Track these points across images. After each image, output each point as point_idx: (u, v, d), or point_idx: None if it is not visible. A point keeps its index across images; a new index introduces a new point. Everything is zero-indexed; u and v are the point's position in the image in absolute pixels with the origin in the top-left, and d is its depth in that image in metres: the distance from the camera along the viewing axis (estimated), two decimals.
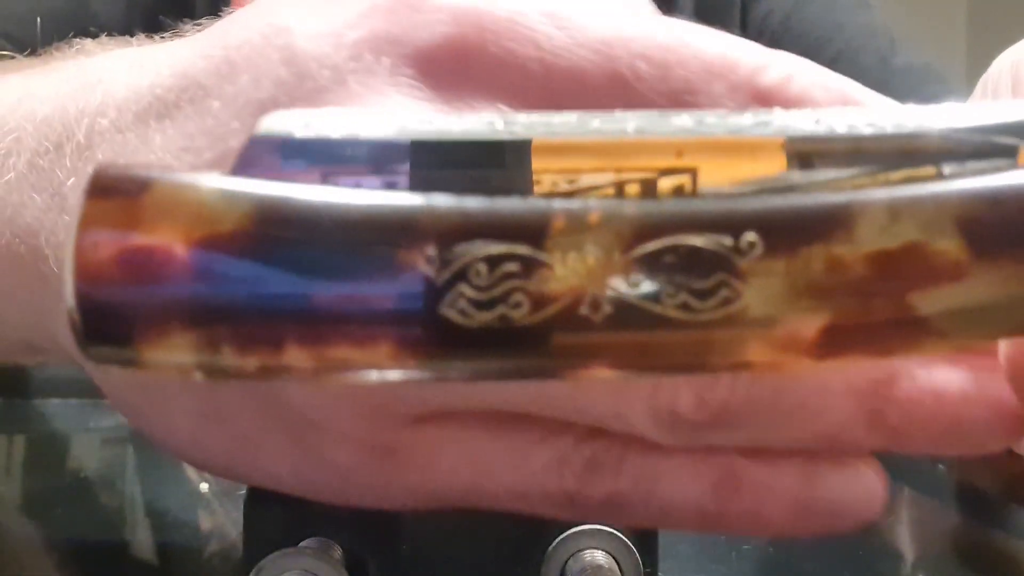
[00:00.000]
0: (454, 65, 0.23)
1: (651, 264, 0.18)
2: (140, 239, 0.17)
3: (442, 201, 0.18)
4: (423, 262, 0.18)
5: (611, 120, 0.20)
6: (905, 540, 0.37)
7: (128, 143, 0.25)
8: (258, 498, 0.28)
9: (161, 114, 0.25)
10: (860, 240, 0.19)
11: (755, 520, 0.24)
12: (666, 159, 0.20)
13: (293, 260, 0.18)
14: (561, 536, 0.27)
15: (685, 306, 0.18)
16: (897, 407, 0.22)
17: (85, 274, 0.17)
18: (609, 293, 0.18)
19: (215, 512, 0.36)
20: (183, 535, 0.36)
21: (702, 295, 0.18)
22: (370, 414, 0.24)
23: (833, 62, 0.74)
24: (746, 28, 0.78)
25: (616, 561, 0.27)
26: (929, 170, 0.20)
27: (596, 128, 0.20)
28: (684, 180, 0.20)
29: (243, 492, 0.28)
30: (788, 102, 0.23)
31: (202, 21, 0.28)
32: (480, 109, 0.23)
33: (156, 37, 0.29)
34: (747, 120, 0.20)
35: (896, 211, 0.19)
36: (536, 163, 0.20)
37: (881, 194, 0.19)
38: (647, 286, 0.18)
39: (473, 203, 0.18)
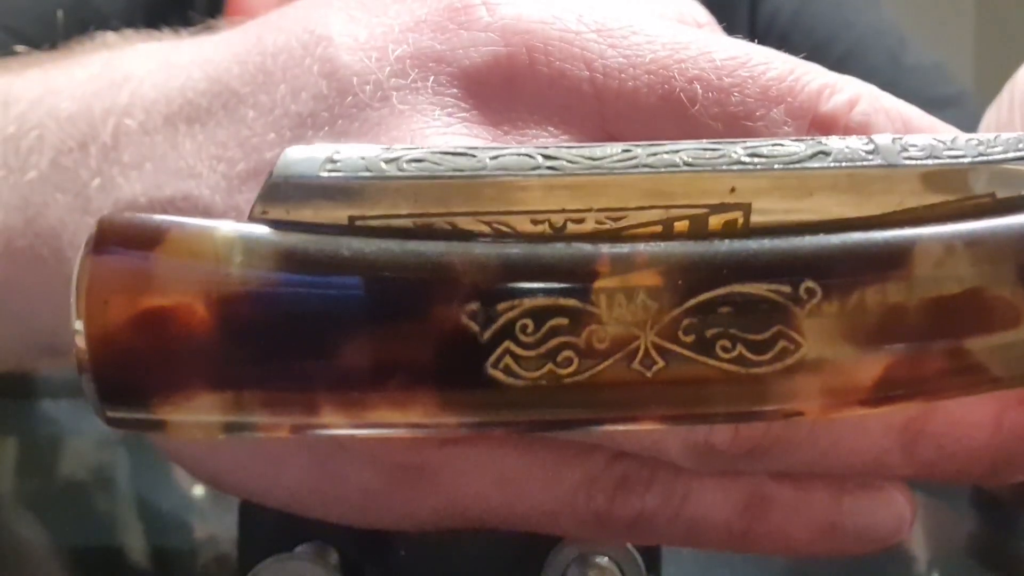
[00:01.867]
0: (502, 85, 0.22)
1: (705, 315, 0.17)
2: (156, 298, 0.16)
3: (482, 250, 0.17)
4: (465, 317, 0.17)
5: (659, 153, 0.19)
6: (915, 544, 0.36)
7: (156, 146, 0.24)
8: (253, 502, 0.27)
9: (191, 118, 0.24)
10: (918, 286, 0.18)
11: (783, 541, 0.24)
12: (718, 195, 0.19)
13: (322, 317, 0.17)
14: (562, 541, 0.26)
15: (741, 359, 0.18)
16: (930, 440, 0.22)
17: (97, 337, 0.16)
18: (661, 346, 0.17)
19: (210, 517, 0.36)
20: (178, 540, 0.36)
21: (759, 347, 0.18)
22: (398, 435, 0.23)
23: (842, 61, 0.73)
24: (754, 26, 0.78)
25: (618, 565, 0.26)
26: (984, 198, 0.19)
27: (644, 163, 0.19)
28: (736, 216, 0.19)
29: (236, 497, 0.28)
30: (848, 128, 0.22)
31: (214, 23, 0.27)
32: (529, 131, 0.22)
33: (176, 32, 0.28)
34: (802, 150, 0.19)
35: (954, 252, 0.18)
36: (579, 201, 0.19)
37: (940, 233, 0.18)
38: (702, 339, 0.17)
39: (515, 251, 0.17)
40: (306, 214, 0.17)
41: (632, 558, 0.26)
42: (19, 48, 0.31)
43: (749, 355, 0.18)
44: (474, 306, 0.17)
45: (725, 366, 0.18)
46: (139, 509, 0.38)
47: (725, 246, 0.18)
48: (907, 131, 0.22)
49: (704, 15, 0.25)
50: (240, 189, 0.23)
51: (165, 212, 0.23)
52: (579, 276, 0.17)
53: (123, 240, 0.17)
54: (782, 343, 0.18)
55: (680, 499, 0.23)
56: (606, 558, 0.27)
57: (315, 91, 0.23)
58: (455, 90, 0.22)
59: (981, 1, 2.51)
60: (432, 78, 0.22)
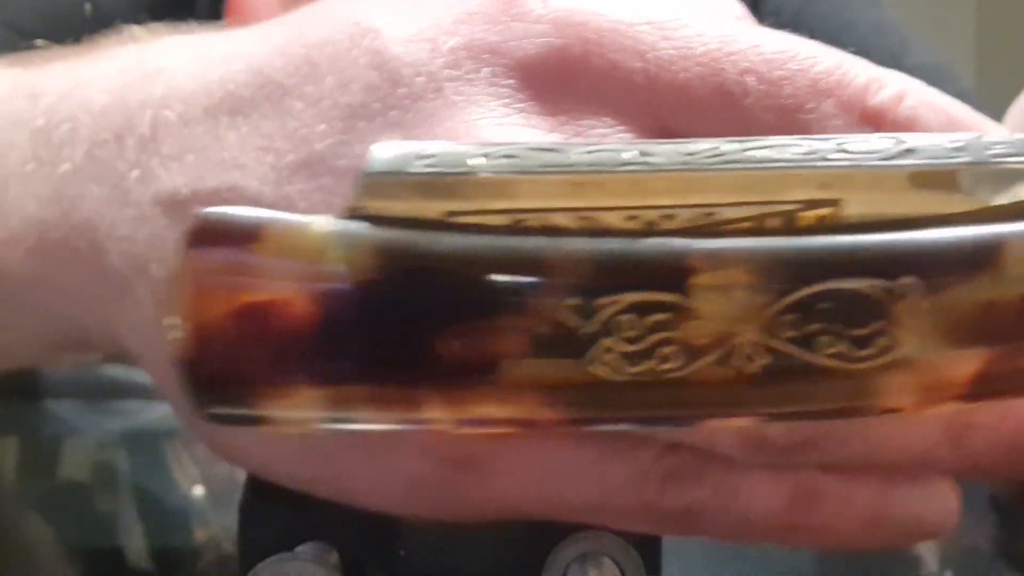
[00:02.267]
0: (557, 76, 0.22)
1: (805, 311, 0.17)
2: (257, 293, 0.16)
3: (579, 245, 0.17)
4: (565, 312, 0.17)
5: (750, 149, 0.19)
6: (928, 544, 0.36)
7: (197, 138, 0.24)
8: (254, 502, 0.27)
9: (234, 110, 0.24)
10: (1010, 282, 0.18)
11: (832, 533, 0.24)
12: (809, 191, 0.19)
13: (422, 313, 0.17)
14: (563, 540, 0.26)
15: (841, 355, 0.18)
16: (978, 432, 0.22)
17: (198, 333, 0.16)
18: (761, 343, 0.17)
19: (210, 517, 0.36)
20: (178, 540, 0.36)
21: (859, 343, 0.18)
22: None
23: None
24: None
25: (618, 565, 0.26)
26: None
27: (735, 159, 0.19)
28: (826, 212, 0.19)
29: (239, 496, 0.28)
30: (897, 121, 0.22)
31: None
32: (584, 121, 0.22)
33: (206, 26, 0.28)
34: (890, 147, 0.19)
35: None
36: (671, 197, 0.19)
37: None
38: (802, 335, 0.18)
39: (612, 246, 0.17)
40: (401, 209, 0.17)
41: (633, 557, 0.26)
42: (39, 43, 0.30)
43: (849, 351, 0.18)
44: (574, 301, 0.17)
45: (826, 362, 0.18)
46: (140, 509, 0.38)
47: (823, 241, 0.18)
48: (951, 125, 0.22)
49: (740, 8, 0.26)
50: (290, 180, 0.22)
51: (211, 203, 0.22)
52: (677, 272, 0.17)
53: (221, 235, 0.16)
54: (882, 339, 0.18)
55: (731, 492, 0.23)
56: (607, 558, 0.27)
57: (365, 82, 0.22)
58: (510, 81, 0.22)
59: (982, 1, 2.51)
60: (486, 69, 0.22)
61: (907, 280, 0.18)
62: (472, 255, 0.17)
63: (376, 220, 0.17)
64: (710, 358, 0.18)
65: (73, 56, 0.29)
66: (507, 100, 0.22)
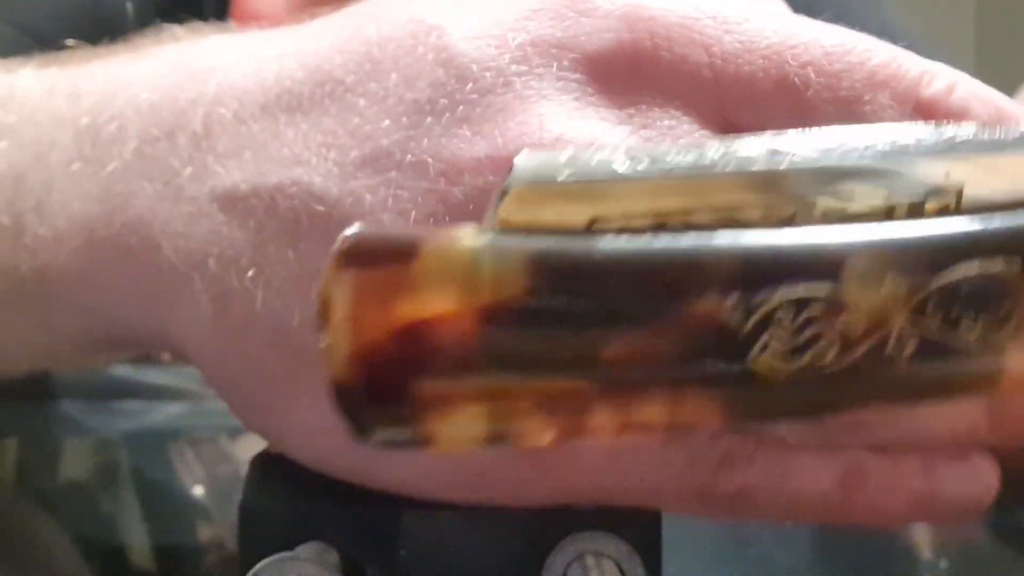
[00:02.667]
0: (627, 71, 0.23)
1: (948, 295, 0.18)
2: (415, 310, 0.16)
3: (728, 242, 0.17)
4: (725, 312, 0.17)
5: (876, 144, 0.19)
6: (915, 542, 0.36)
7: (255, 135, 0.24)
8: (254, 502, 0.27)
9: (292, 107, 0.24)
10: None
11: (879, 512, 0.24)
12: (935, 179, 0.19)
13: (580, 321, 0.17)
14: (563, 540, 0.27)
15: (984, 336, 0.18)
16: (1018, 406, 0.23)
17: (357, 357, 0.16)
18: (911, 330, 0.18)
19: (211, 517, 0.36)
20: (179, 539, 0.36)
21: (1000, 322, 0.18)
22: None
23: None
24: None
25: (618, 565, 0.27)
26: None
27: (873, 151, 0.19)
28: (949, 201, 0.19)
29: (239, 497, 0.28)
30: (948, 112, 0.23)
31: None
32: (653, 114, 0.22)
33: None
34: (1005, 136, 0.20)
35: None
36: (807, 189, 0.19)
37: None
38: (948, 318, 0.18)
39: (760, 242, 0.17)
40: (548, 217, 0.17)
41: (632, 557, 0.26)
42: (70, 42, 0.30)
43: (991, 330, 0.18)
44: (732, 300, 0.17)
45: (971, 343, 0.18)
46: (141, 509, 0.38)
47: (959, 224, 0.18)
48: (999, 117, 0.23)
49: (781, 4, 0.26)
50: (356, 175, 0.22)
51: (273, 199, 0.23)
52: (831, 264, 0.17)
53: (376, 254, 0.16)
54: (1016, 318, 0.18)
55: (781, 473, 0.24)
56: (607, 558, 0.27)
57: (432, 79, 0.23)
58: (579, 75, 0.22)
59: (981, 1, 2.51)
60: (555, 64, 0.22)
61: None
62: (629, 260, 0.17)
63: (524, 230, 0.17)
64: (864, 348, 0.18)
65: (110, 56, 0.29)
66: (577, 94, 0.22)
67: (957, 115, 0.23)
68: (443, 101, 0.22)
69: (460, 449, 0.17)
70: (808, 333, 0.17)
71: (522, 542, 0.27)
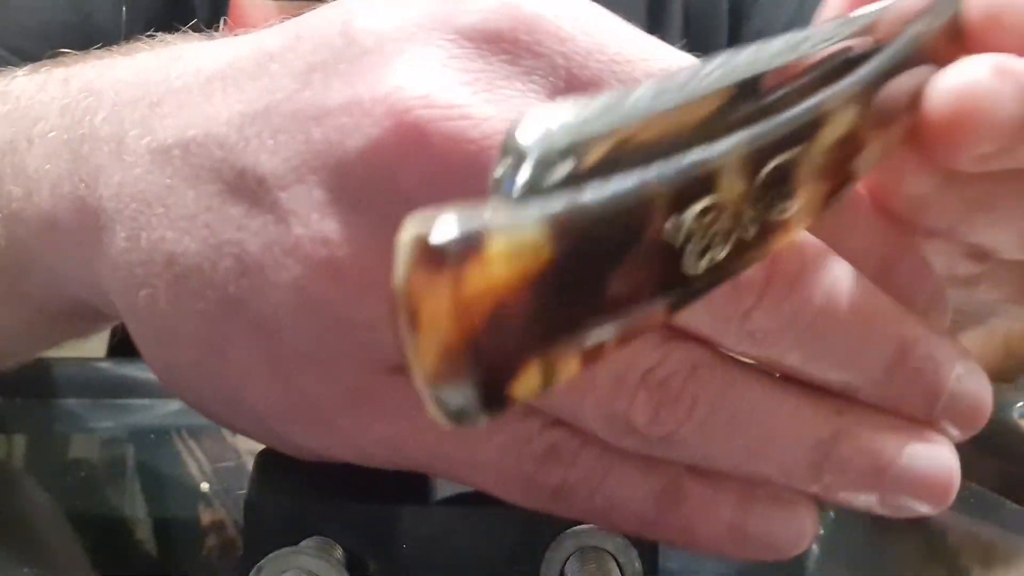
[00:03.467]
0: (488, 42, 0.24)
1: (766, 186, 0.21)
2: (496, 292, 0.16)
3: (662, 169, 0.19)
4: (667, 232, 0.19)
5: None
6: (912, 543, 0.37)
7: (193, 99, 0.27)
8: (259, 497, 0.28)
9: (228, 76, 0.26)
10: None
11: (691, 536, 0.25)
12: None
13: (599, 266, 0.18)
14: (561, 535, 0.27)
15: (783, 212, 0.21)
16: (835, 464, 0.24)
17: (458, 350, 0.16)
18: (754, 215, 0.20)
19: (216, 511, 0.36)
20: (184, 535, 0.36)
21: (786, 201, 0.21)
22: (353, 354, 0.25)
23: None
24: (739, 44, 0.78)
25: (615, 560, 0.27)
26: None
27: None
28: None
29: (244, 491, 0.28)
30: None
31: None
32: (498, 83, 0.24)
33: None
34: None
35: None
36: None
37: None
38: (771, 202, 0.21)
39: (681, 164, 0.19)
40: (557, 176, 0.18)
41: (629, 552, 0.27)
42: (65, 51, 0.34)
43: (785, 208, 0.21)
44: (671, 222, 0.19)
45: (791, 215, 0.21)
46: (147, 506, 0.39)
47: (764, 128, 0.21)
48: None
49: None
50: (252, 124, 0.25)
51: (188, 149, 0.26)
52: (707, 179, 0.19)
53: (448, 250, 0.16)
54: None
55: (600, 476, 0.25)
56: (605, 553, 0.27)
57: (330, 45, 0.25)
58: (447, 44, 0.24)
59: None
60: (431, 34, 0.24)
61: None
62: (618, 202, 0.18)
63: (548, 191, 0.18)
64: (732, 240, 0.20)
65: (107, 55, 0.32)
66: (441, 59, 0.24)
67: None
68: (331, 61, 0.25)
69: (522, 404, 0.18)
70: (708, 237, 0.19)
71: (521, 537, 0.27)
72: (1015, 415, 0.37)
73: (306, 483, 0.28)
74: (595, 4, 0.25)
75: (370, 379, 0.25)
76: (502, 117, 0.23)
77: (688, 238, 0.19)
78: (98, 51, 0.33)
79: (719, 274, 0.20)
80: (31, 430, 0.43)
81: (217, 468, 0.38)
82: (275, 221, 0.24)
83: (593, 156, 0.18)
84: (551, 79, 0.24)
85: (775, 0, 0.75)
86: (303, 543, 0.27)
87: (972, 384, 0.24)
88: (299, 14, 0.27)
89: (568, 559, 0.27)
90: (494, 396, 0.17)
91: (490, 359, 0.17)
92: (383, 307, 0.23)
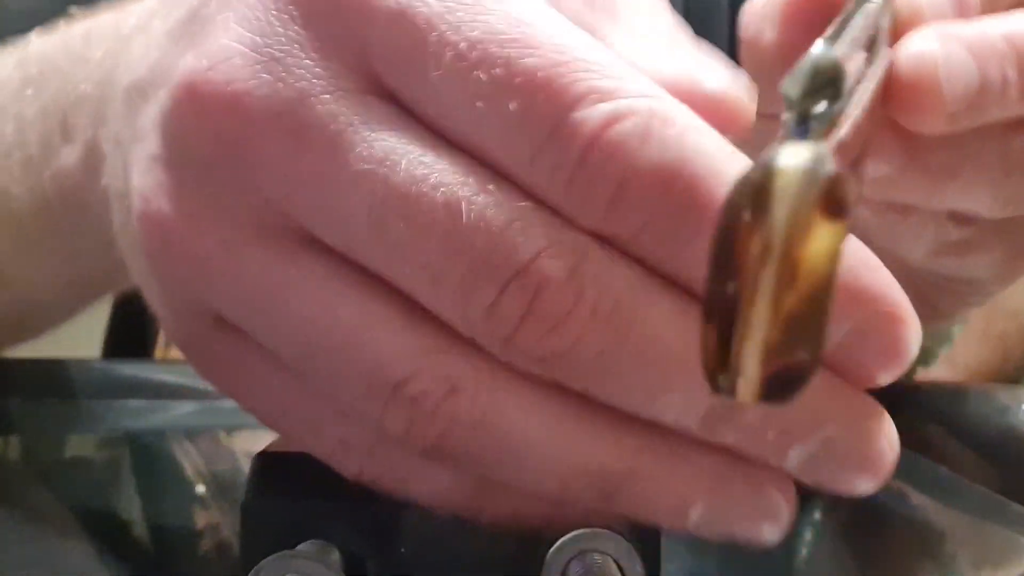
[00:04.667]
0: (318, 9, 0.25)
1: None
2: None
3: None
4: None
5: None
6: (909, 542, 0.37)
7: (150, 47, 0.29)
8: (255, 500, 0.27)
9: (174, 29, 0.28)
10: None
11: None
12: None
13: None
14: (562, 539, 0.27)
15: None
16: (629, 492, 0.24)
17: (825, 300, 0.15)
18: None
19: (212, 515, 0.36)
20: (180, 538, 0.36)
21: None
22: (184, 300, 0.26)
23: None
24: (735, 42, 0.77)
25: (618, 564, 0.27)
26: None
27: None
28: None
29: (241, 494, 0.28)
30: (593, 147, 0.23)
31: None
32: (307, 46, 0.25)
33: None
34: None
35: None
36: None
37: None
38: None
39: None
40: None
41: (632, 556, 0.27)
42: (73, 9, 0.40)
43: None
44: None
45: None
46: (143, 508, 0.39)
47: None
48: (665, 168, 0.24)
49: None
50: (152, 71, 0.27)
51: (136, 87, 0.28)
52: None
53: (835, 195, 0.15)
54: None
55: (403, 475, 0.26)
56: (606, 555, 0.27)
57: (187, 6, 0.27)
58: (279, 10, 0.25)
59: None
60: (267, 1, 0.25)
61: None
62: None
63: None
64: None
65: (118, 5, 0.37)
66: (273, 24, 0.25)
67: (605, 156, 0.22)
68: (184, 20, 0.27)
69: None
70: None
71: (522, 539, 0.27)
72: (1021, 416, 0.37)
73: (303, 486, 0.28)
74: None
75: (203, 329, 0.26)
76: (276, 87, 0.24)
77: None
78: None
79: None
80: (27, 431, 0.43)
81: (213, 470, 0.38)
82: (128, 168, 0.27)
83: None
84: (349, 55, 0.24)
85: None
86: (300, 546, 0.26)
87: None
88: None
89: (569, 562, 0.27)
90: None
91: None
92: (188, 265, 0.25)
